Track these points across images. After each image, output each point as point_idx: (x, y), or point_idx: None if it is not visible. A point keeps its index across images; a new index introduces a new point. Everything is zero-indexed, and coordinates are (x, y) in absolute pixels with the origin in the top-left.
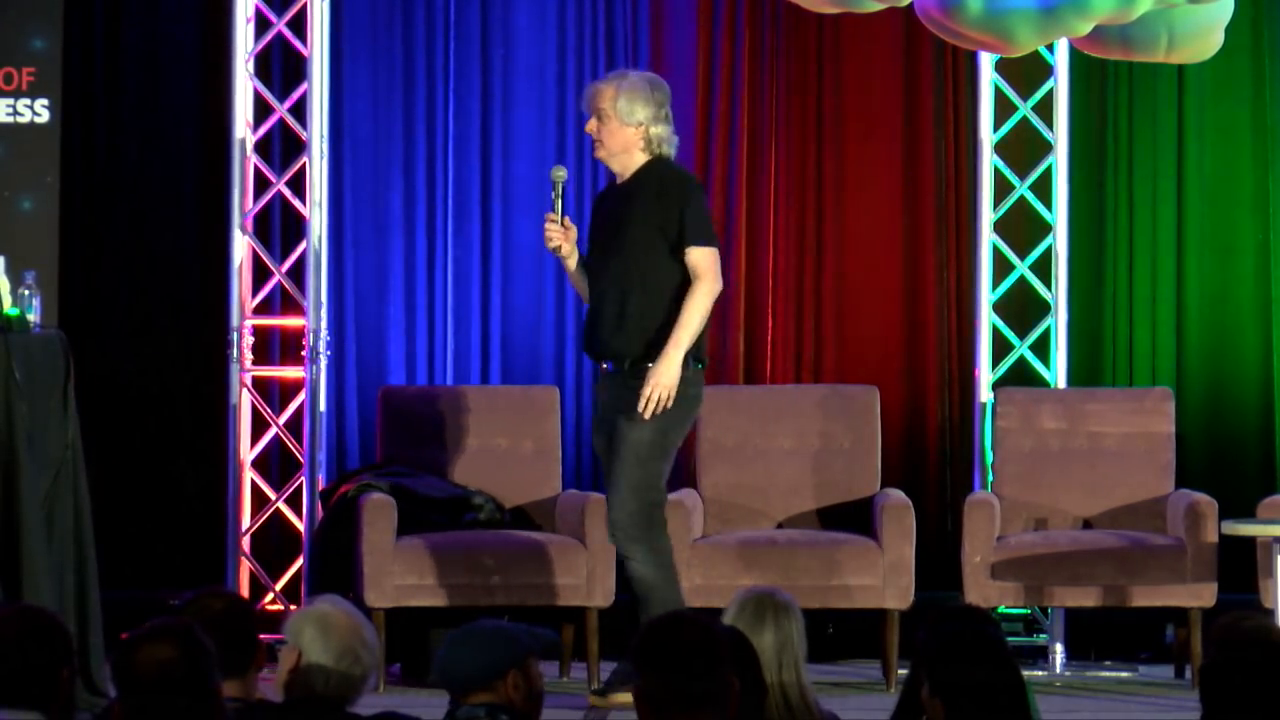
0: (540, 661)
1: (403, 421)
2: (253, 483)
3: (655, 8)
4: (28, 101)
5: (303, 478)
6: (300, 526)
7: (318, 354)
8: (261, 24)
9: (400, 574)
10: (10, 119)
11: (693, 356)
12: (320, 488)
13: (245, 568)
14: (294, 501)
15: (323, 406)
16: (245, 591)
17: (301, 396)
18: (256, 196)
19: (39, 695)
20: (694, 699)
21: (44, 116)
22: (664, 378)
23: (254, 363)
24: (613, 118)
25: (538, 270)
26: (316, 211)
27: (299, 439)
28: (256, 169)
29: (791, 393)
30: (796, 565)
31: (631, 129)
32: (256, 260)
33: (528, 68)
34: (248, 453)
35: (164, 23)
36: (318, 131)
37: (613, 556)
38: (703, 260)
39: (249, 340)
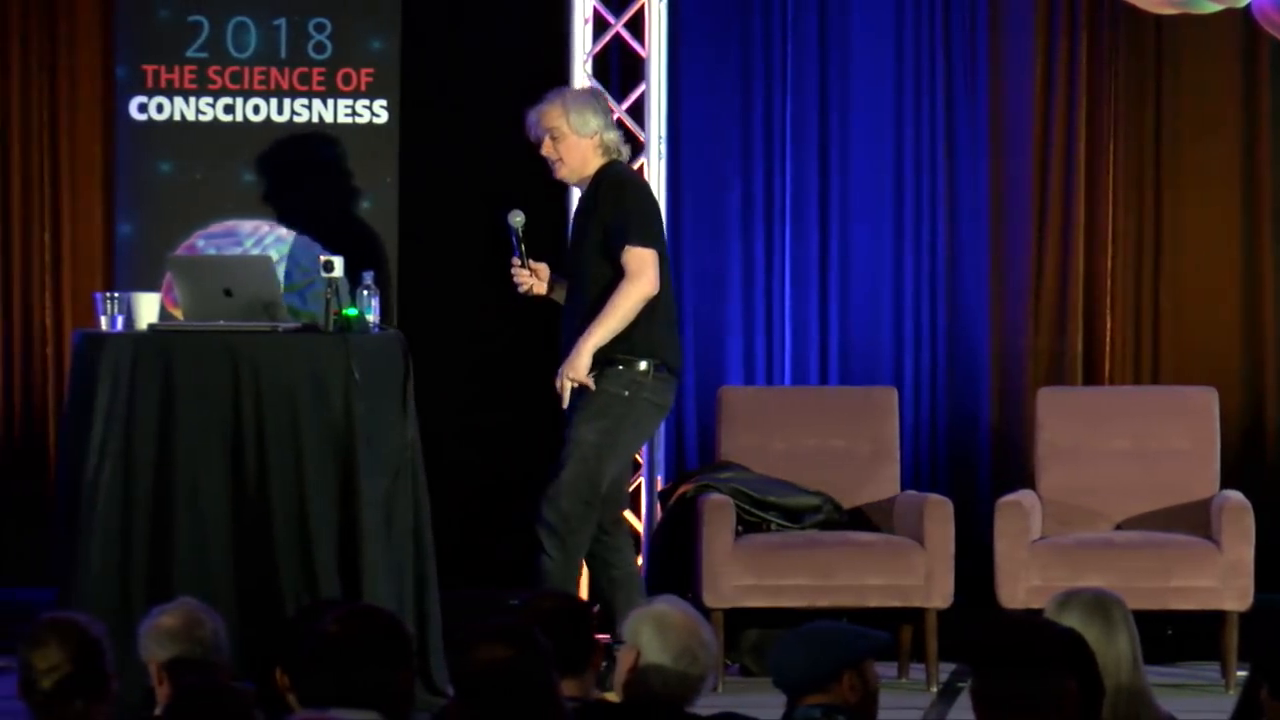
0: (877, 662)
1: (741, 422)
2: None
3: (994, 10)
4: (366, 102)
5: (641, 478)
6: (639, 526)
7: None
8: (599, 25)
9: (738, 574)
10: (349, 119)
11: (654, 363)
12: (659, 488)
13: (584, 568)
14: (633, 502)
15: None
16: (584, 592)
17: None
18: None
19: (378, 696)
20: (1032, 701)
21: (382, 117)
22: (569, 369)
23: None
24: (568, 133)
25: (876, 271)
26: None
27: None
28: None
29: (1129, 394)
30: (1134, 566)
31: (587, 140)
32: None
33: (865, 71)
34: None
35: (502, 23)
36: (656, 132)
37: (951, 557)
38: (635, 260)
39: None
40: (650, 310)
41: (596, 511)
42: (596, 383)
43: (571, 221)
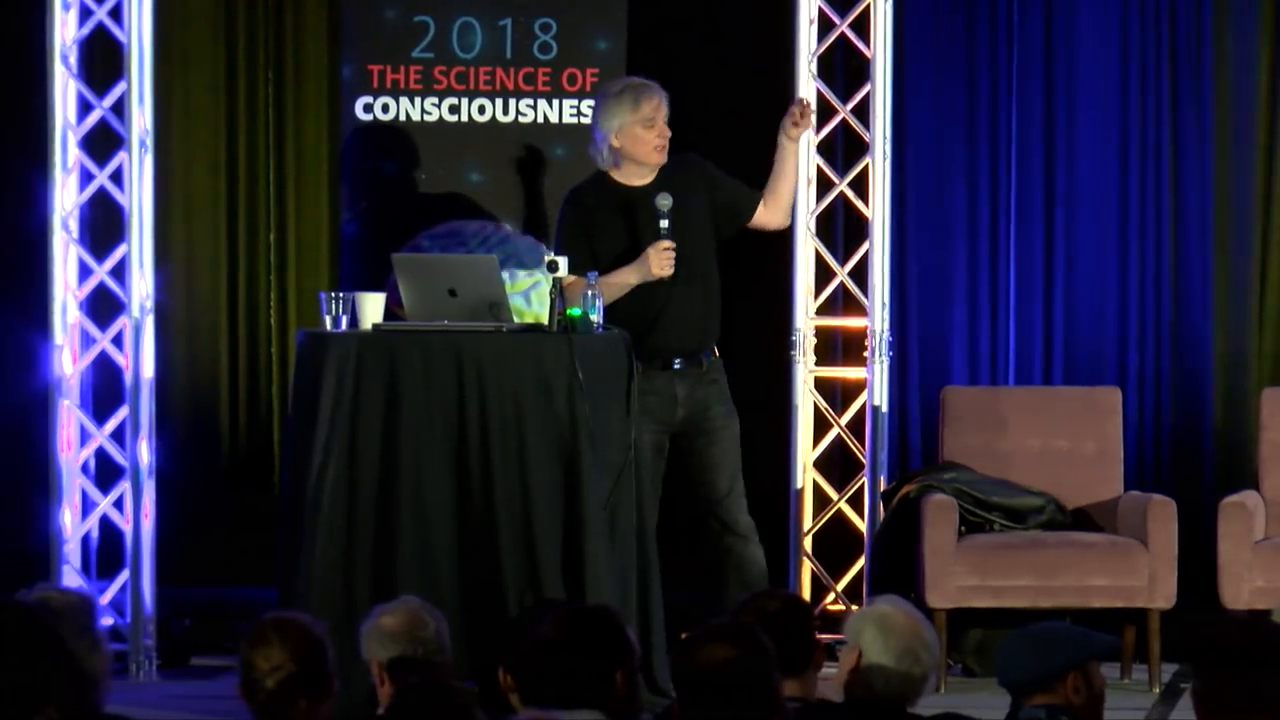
0: (1101, 664)
1: (965, 422)
2: (815, 483)
3: (1219, 11)
4: (591, 102)
5: (864, 478)
6: (862, 527)
7: (880, 354)
8: (824, 25)
9: (962, 575)
10: (574, 119)
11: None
12: (882, 488)
13: (807, 568)
14: (855, 502)
15: (884, 407)
16: (807, 592)
17: (863, 397)
18: (818, 198)
19: (598, 696)
20: (1257, 701)
21: None
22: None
23: (817, 363)
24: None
25: (1100, 271)
26: (879, 212)
27: (860, 439)
28: (819, 170)
29: None
30: None
31: None
32: (819, 261)
33: (1091, 72)
34: (810, 453)
35: (726, 22)
36: (880, 133)
37: (1175, 558)
38: None
39: (812, 341)
40: None
41: None
42: (717, 371)
43: (642, 212)
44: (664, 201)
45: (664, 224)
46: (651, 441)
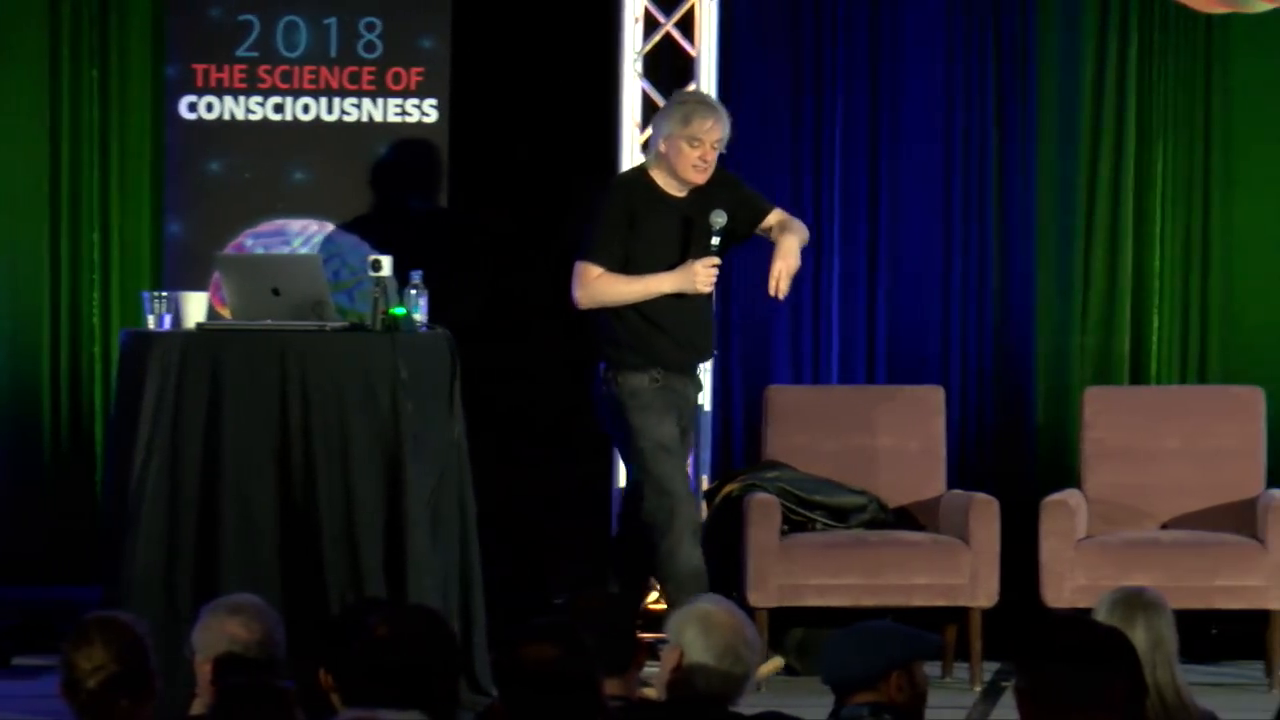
0: (924, 662)
1: (788, 421)
2: None
3: (1045, 9)
4: (416, 101)
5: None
6: None
7: None
8: (650, 24)
9: (784, 574)
10: (399, 119)
11: None
12: (705, 487)
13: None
14: None
15: (707, 406)
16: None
17: None
18: None
19: (421, 695)
20: (1078, 699)
21: (432, 116)
22: (793, 263)
23: None
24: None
25: (924, 270)
26: None
27: None
28: None
29: (1177, 393)
30: (1180, 565)
31: None
32: None
33: (916, 72)
34: None
35: (551, 22)
36: None
37: (997, 556)
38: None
39: None
40: None
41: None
42: (699, 384)
43: (675, 223)
44: (718, 219)
45: (716, 241)
46: (679, 433)
